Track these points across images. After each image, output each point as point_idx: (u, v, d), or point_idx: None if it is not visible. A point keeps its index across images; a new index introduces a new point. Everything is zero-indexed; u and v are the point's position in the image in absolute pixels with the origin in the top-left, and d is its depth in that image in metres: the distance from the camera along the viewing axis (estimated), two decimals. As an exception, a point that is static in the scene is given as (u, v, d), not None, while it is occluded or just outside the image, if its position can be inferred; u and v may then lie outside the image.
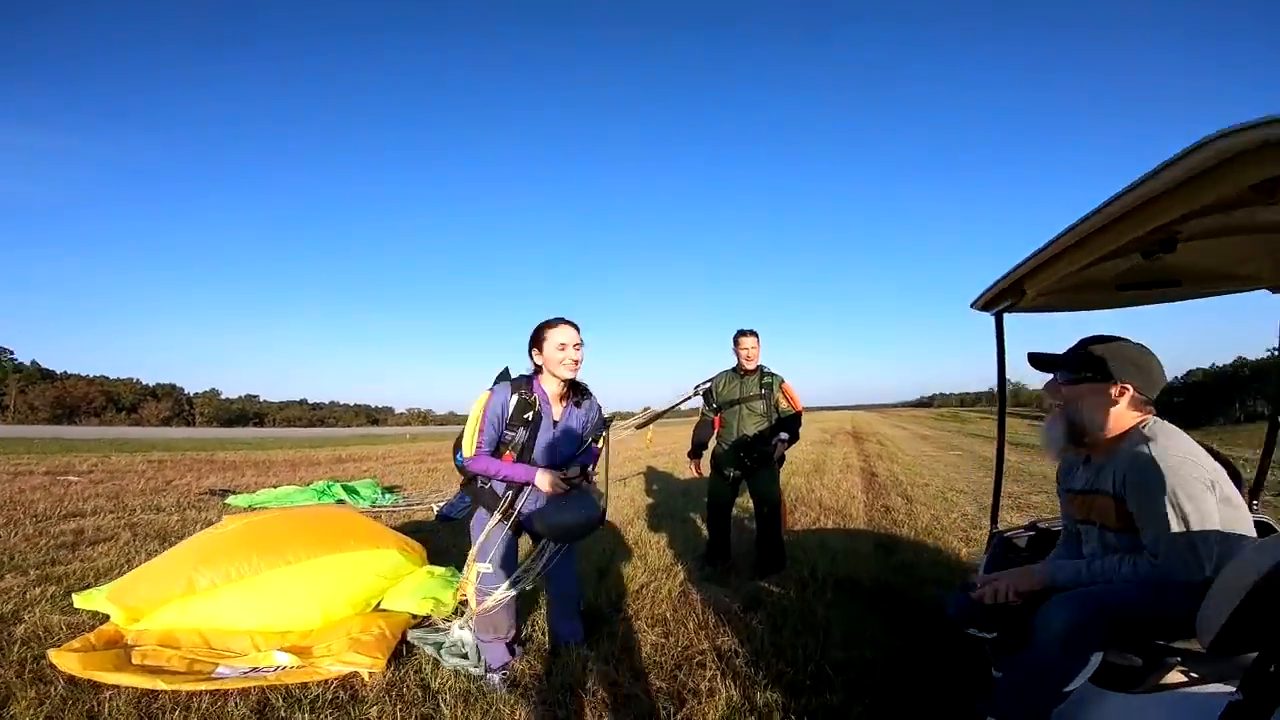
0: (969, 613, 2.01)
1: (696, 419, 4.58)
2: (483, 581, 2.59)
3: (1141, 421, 1.82)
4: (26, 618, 3.14)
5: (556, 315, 2.62)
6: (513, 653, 2.79)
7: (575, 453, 2.70)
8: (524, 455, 2.56)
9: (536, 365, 2.64)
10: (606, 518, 2.68)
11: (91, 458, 13.16)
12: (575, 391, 2.70)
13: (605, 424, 2.84)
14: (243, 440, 28.17)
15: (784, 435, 4.20)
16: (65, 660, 2.49)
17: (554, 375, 2.57)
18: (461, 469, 2.62)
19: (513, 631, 2.73)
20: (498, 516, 2.56)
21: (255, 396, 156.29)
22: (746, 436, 4.21)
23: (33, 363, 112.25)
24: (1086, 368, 1.86)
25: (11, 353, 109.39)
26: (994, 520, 2.89)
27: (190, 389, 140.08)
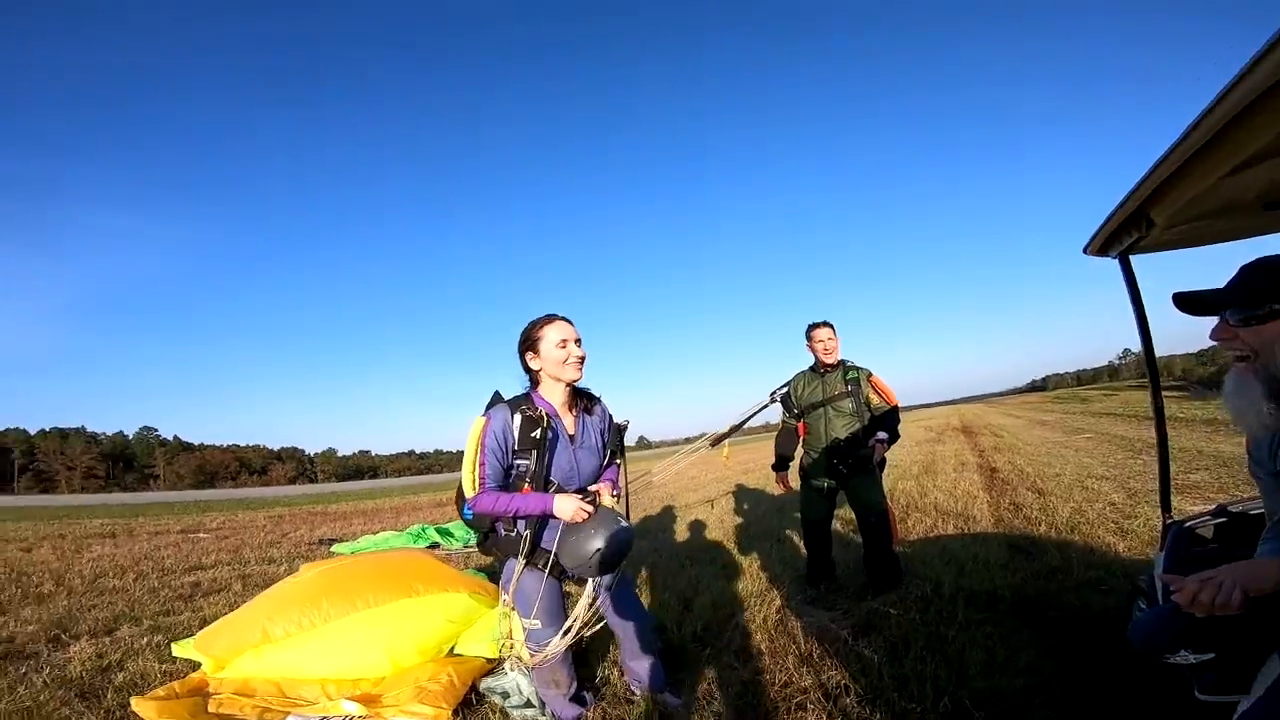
0: (1167, 632, 1.48)
1: (776, 431, 4.14)
2: (531, 638, 2.26)
3: None
4: (129, 666, 3.23)
5: (546, 313, 2.25)
6: (584, 703, 2.46)
7: (599, 470, 2.35)
8: (542, 485, 2.16)
9: (532, 374, 2.26)
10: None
11: (220, 516, 14.22)
12: (582, 399, 2.34)
13: (620, 432, 2.45)
14: (355, 493, 29.81)
15: (882, 435, 3.69)
16: (145, 707, 2.51)
17: (558, 380, 2.20)
18: (469, 522, 2.29)
19: (574, 684, 2.41)
20: (523, 563, 2.19)
21: (368, 451, 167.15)
22: (838, 440, 3.71)
23: (175, 437, 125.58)
24: (1270, 297, 1.29)
25: (156, 430, 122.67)
26: (1165, 507, 2.29)
27: (310, 449, 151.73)
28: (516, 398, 2.23)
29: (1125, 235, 1.88)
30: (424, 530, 7.65)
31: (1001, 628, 2.82)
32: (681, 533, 6.72)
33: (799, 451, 4.00)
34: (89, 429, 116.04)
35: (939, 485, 7.78)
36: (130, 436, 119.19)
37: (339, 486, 64.96)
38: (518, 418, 2.14)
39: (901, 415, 3.81)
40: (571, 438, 2.24)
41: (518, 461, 2.14)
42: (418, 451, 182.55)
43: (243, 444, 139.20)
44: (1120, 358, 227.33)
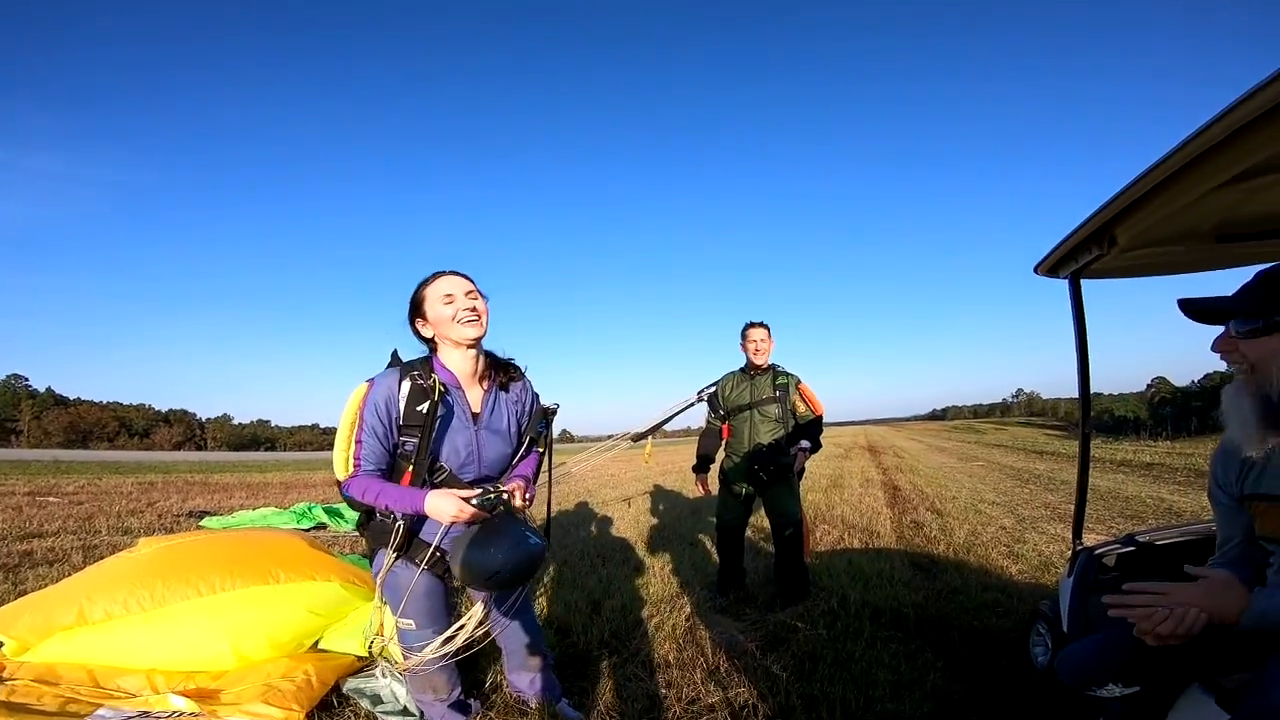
0: (1098, 664, 1.41)
1: (698, 435, 4.01)
2: (404, 639, 1.94)
3: None
4: None
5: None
6: (467, 711, 2.19)
7: (510, 461, 1.98)
8: (430, 468, 1.79)
9: (428, 342, 1.91)
10: (548, 553, 1.91)
11: (81, 480, 12.77)
12: (499, 370, 1.96)
13: (547, 416, 2.05)
14: (244, 464, 27.73)
15: (805, 444, 3.61)
16: None
17: (456, 344, 1.84)
18: (349, 502, 1.84)
19: (456, 690, 2.12)
20: (393, 555, 1.83)
21: (267, 421, 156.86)
22: (761, 446, 3.61)
23: (47, 389, 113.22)
24: (1275, 309, 1.20)
25: (26, 379, 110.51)
26: (1078, 533, 2.31)
27: (203, 414, 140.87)
28: (412, 362, 1.86)
29: (1084, 253, 1.85)
30: (310, 509, 7.04)
31: (906, 647, 2.78)
32: (596, 530, 6.53)
33: (720, 454, 3.88)
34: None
35: (845, 499, 7.98)
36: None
37: (229, 456, 60.54)
38: (406, 385, 1.76)
39: (800, 380, 3.74)
40: (475, 416, 1.87)
41: (404, 439, 1.76)
42: (322, 426, 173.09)
43: (125, 402, 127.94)
44: (1013, 396, 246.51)
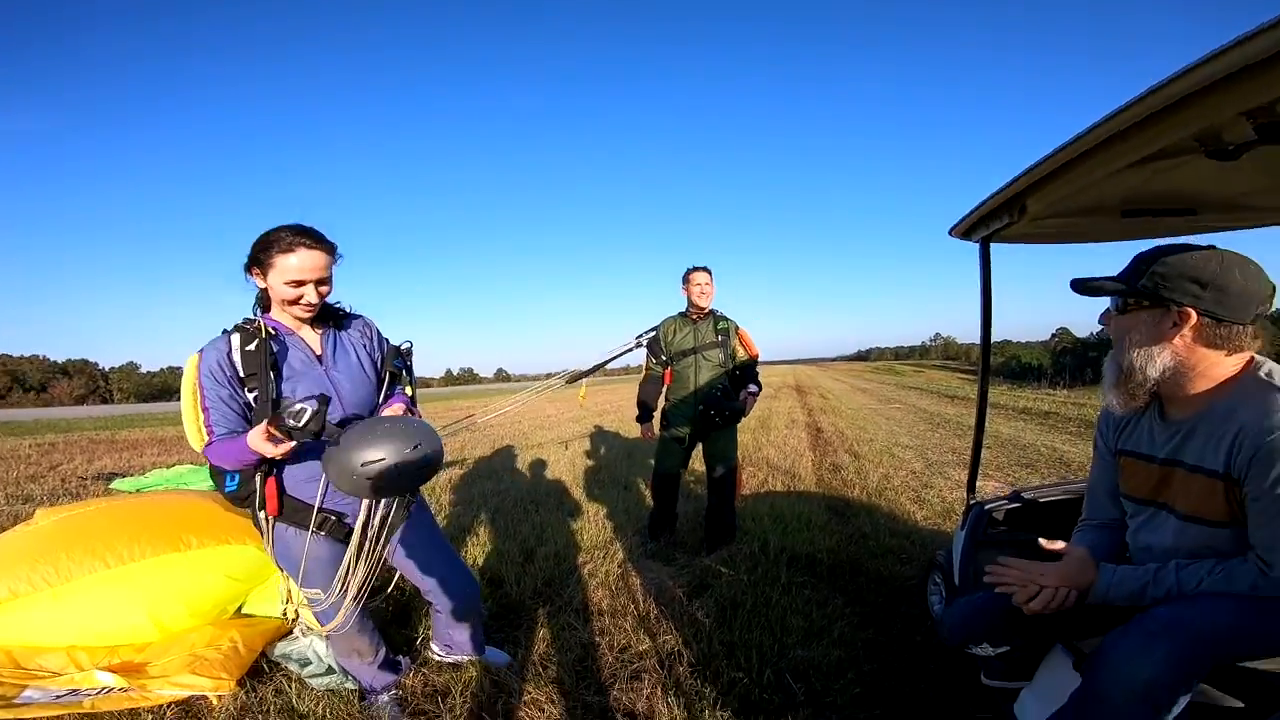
0: (973, 626, 1.58)
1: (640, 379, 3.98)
2: (314, 606, 1.93)
3: (1250, 365, 1.31)
4: None
5: (297, 223, 1.72)
6: (397, 669, 2.22)
7: (376, 399, 1.92)
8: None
9: (261, 295, 1.80)
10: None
11: (-32, 443, 11.77)
12: (329, 315, 1.91)
13: (403, 354, 2.01)
14: (156, 416, 26.15)
15: (753, 388, 3.74)
16: None
17: (284, 312, 1.79)
18: (215, 473, 1.80)
19: (381, 650, 2.13)
20: (268, 520, 1.80)
21: (178, 368, 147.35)
22: (708, 390, 3.68)
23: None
24: (1139, 289, 1.35)
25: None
26: (971, 489, 2.52)
27: (106, 364, 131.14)
28: (239, 323, 1.78)
29: (996, 220, 1.94)
30: (232, 466, 6.78)
31: (819, 593, 2.99)
32: (530, 474, 6.59)
33: (660, 400, 3.91)
34: None
35: (772, 441, 8.33)
36: None
37: (138, 408, 56.72)
38: (236, 338, 1.71)
39: (739, 326, 3.83)
40: (319, 357, 1.82)
41: (250, 391, 1.70)
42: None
43: (16, 354, 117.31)
44: (932, 340, 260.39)
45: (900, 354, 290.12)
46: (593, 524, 4.29)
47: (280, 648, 2.43)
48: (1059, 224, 2.07)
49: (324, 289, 1.75)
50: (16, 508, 5.43)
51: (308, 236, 1.70)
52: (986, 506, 2.38)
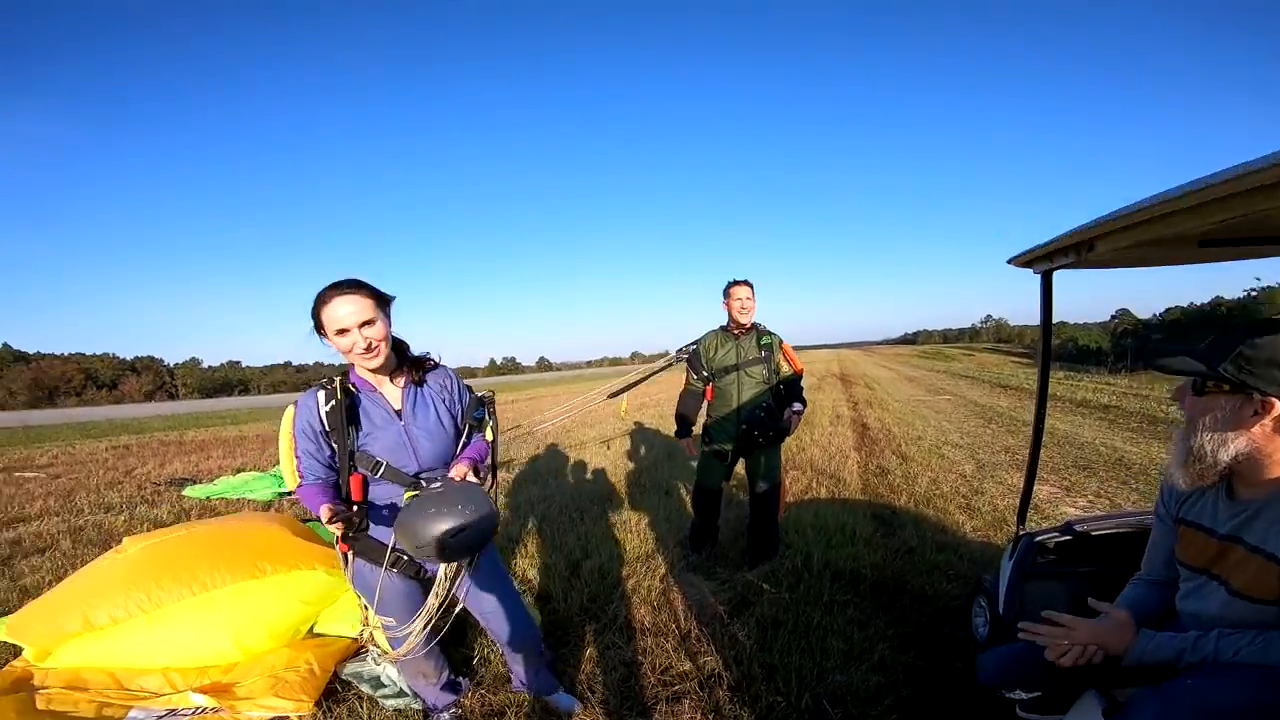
0: (1008, 673, 1.61)
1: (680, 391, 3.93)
2: (388, 632, 2.08)
3: None
4: None
5: (337, 280, 1.85)
6: (458, 690, 2.38)
7: (453, 450, 2.04)
8: (370, 466, 1.89)
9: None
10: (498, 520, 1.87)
11: (54, 448, 12.62)
12: (412, 367, 2.01)
13: (484, 404, 2.14)
14: (219, 414, 27.55)
15: (797, 406, 3.67)
16: None
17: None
18: None
19: (445, 672, 2.30)
20: (349, 554, 1.97)
21: (238, 363, 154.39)
22: (753, 409, 3.64)
23: (4, 345, 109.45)
24: (1221, 374, 1.31)
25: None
26: (1021, 520, 2.47)
27: (170, 360, 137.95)
28: (329, 377, 1.93)
29: (1061, 257, 1.91)
30: (293, 471, 7.12)
31: (860, 612, 3.00)
32: (574, 478, 6.70)
33: (702, 415, 3.88)
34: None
35: (816, 440, 8.18)
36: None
37: (202, 405, 59.75)
38: (322, 396, 1.87)
39: (783, 340, 3.77)
40: (398, 412, 1.94)
41: (336, 445, 1.87)
42: (295, 363, 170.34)
43: (89, 353, 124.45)
44: (982, 322, 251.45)
45: (949, 337, 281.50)
46: (635, 534, 4.36)
47: (350, 668, 2.60)
48: (1129, 255, 1.99)
49: (369, 330, 1.82)
50: (99, 516, 5.84)
51: (342, 286, 1.81)
52: (1036, 539, 2.33)
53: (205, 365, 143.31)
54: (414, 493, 1.84)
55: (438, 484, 1.80)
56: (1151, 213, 1.32)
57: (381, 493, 1.93)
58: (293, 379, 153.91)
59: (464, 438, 2.06)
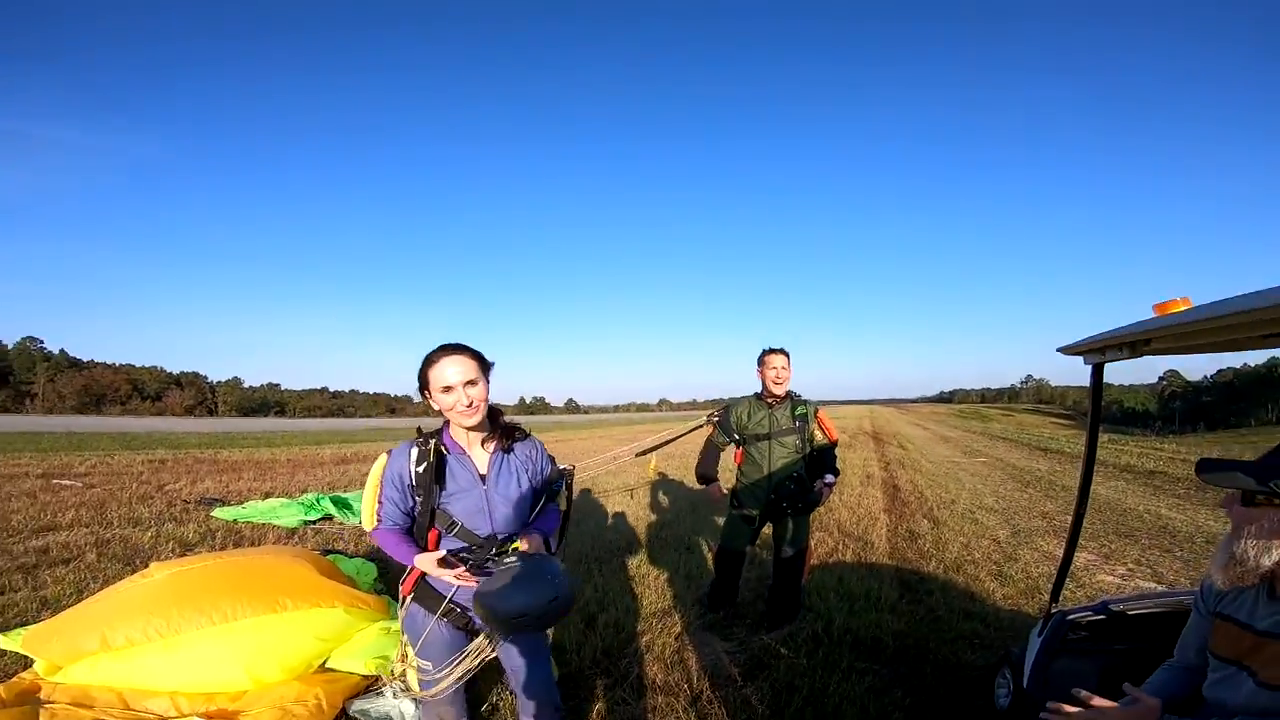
0: None
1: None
2: (424, 674, 2.09)
3: None
4: None
5: (445, 341, 1.99)
6: None
7: (527, 516, 2.10)
8: (446, 525, 1.98)
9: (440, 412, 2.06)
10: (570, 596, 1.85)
11: (94, 457, 13.01)
12: (502, 434, 2.10)
13: (563, 476, 2.23)
14: (254, 434, 28.11)
15: (830, 478, 3.60)
16: None
17: (455, 424, 2.01)
18: None
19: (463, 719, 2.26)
20: (408, 598, 2.05)
21: (277, 385, 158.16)
22: (783, 480, 3.57)
23: (61, 351, 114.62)
24: (1272, 489, 1.33)
25: (41, 341, 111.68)
26: (1055, 596, 2.38)
27: (214, 377, 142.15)
28: (424, 434, 2.05)
29: (1115, 351, 1.89)
30: (319, 500, 7.17)
31: (880, 680, 2.90)
32: (596, 527, 6.64)
33: (733, 478, 3.83)
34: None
35: (844, 500, 7.96)
36: (10, 347, 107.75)
37: (239, 423, 61.36)
38: (415, 453, 1.98)
39: (819, 409, 3.71)
40: (483, 477, 2.02)
41: (419, 499, 1.98)
42: (331, 389, 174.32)
43: (138, 364, 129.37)
44: (1022, 382, 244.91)
45: (987, 396, 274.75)
46: (653, 589, 4.29)
47: (358, 704, 2.60)
48: (1184, 346, 1.96)
49: (472, 390, 1.93)
50: (127, 531, 5.96)
51: (450, 348, 1.95)
52: (1069, 617, 2.24)
53: (246, 385, 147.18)
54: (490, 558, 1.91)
55: (513, 559, 1.81)
56: (1217, 323, 1.34)
57: (448, 547, 1.99)
58: (327, 404, 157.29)
59: (539, 506, 2.14)
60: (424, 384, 1.96)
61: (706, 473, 3.86)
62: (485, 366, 1.99)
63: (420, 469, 1.95)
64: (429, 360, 1.94)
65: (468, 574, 1.86)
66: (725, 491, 3.87)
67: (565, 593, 1.78)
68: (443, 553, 1.87)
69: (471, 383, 1.93)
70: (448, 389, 1.90)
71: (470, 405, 1.92)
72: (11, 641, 2.95)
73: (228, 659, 2.58)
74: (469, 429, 1.99)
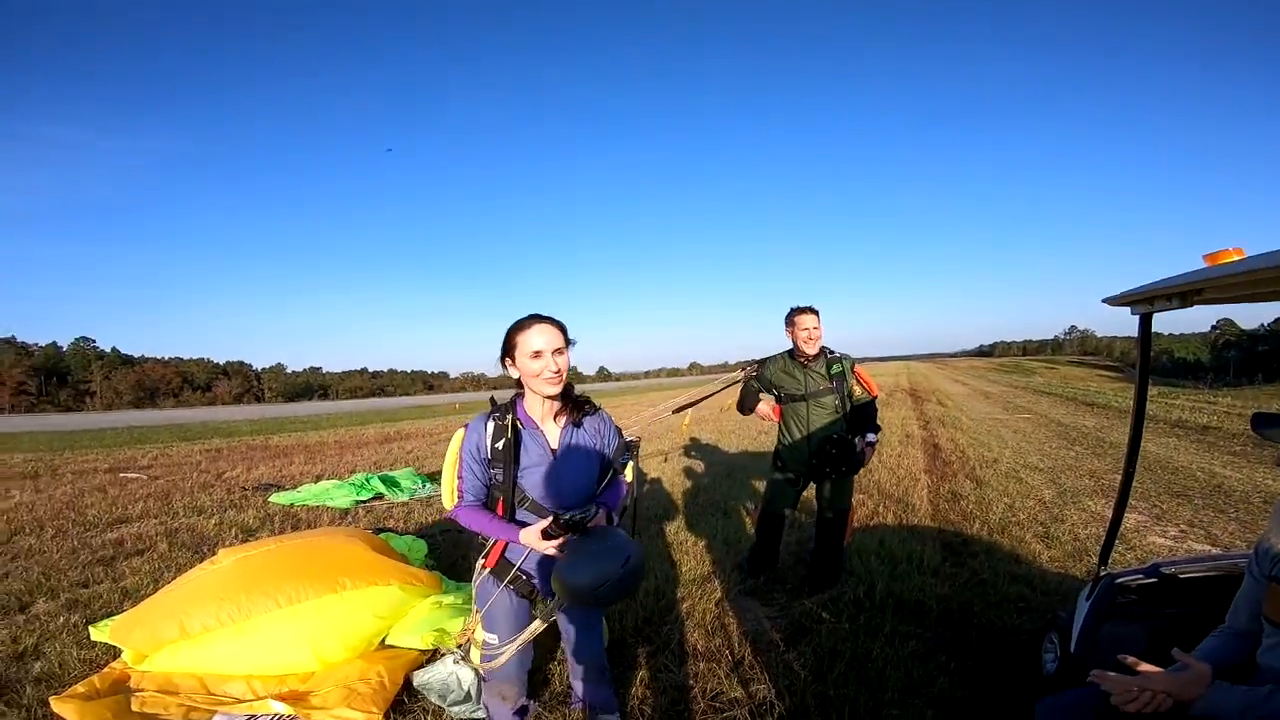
0: (1072, 716, 1.54)
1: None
2: (489, 649, 2.17)
3: None
4: (47, 651, 3.12)
5: (532, 312, 2.02)
6: (525, 713, 2.43)
7: (594, 489, 2.13)
8: (518, 498, 2.02)
9: (517, 380, 2.08)
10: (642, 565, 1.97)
11: (154, 450, 13.69)
12: (573, 407, 2.12)
13: (630, 449, 2.26)
14: (300, 419, 29.13)
15: (871, 437, 3.55)
16: (66, 708, 2.40)
17: (534, 391, 2.03)
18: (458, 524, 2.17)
19: (522, 700, 2.35)
20: (484, 572, 2.11)
21: (319, 368, 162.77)
22: (821, 440, 3.53)
23: (113, 349, 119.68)
24: None
25: (94, 341, 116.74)
26: (1104, 558, 2.34)
27: (258, 364, 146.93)
28: (498, 406, 2.09)
29: (1164, 302, 1.82)
30: (368, 480, 7.44)
31: (923, 644, 2.91)
32: (634, 494, 6.68)
33: (775, 440, 3.82)
34: (19, 339, 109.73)
35: (884, 461, 7.86)
36: (65, 348, 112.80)
37: (286, 409, 63.67)
38: (491, 426, 2.01)
39: (855, 363, 3.64)
40: (553, 451, 2.06)
41: (494, 473, 2.02)
42: (370, 370, 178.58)
43: (186, 357, 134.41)
44: (1066, 333, 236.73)
45: (1029, 349, 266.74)
46: (692, 555, 4.35)
47: (419, 676, 2.71)
48: (1234, 296, 1.88)
49: (560, 358, 1.97)
50: (192, 519, 6.29)
51: (541, 317, 1.99)
52: (1118, 580, 2.20)
53: (289, 370, 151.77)
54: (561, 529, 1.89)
55: (586, 535, 1.85)
56: (1271, 274, 1.30)
57: (520, 519, 2.03)
58: (367, 384, 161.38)
59: (606, 479, 2.18)
60: (509, 349, 1.99)
61: (746, 405, 3.84)
62: (568, 340, 2.03)
63: (499, 444, 1.99)
64: (520, 326, 1.98)
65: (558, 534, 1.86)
66: (772, 407, 3.80)
67: (638, 562, 1.84)
68: (546, 523, 1.85)
69: (559, 351, 1.97)
70: (538, 354, 1.93)
71: (557, 372, 1.96)
72: (100, 633, 3.17)
73: (295, 641, 2.73)
74: (549, 397, 2.02)
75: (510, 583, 2.09)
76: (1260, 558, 1.55)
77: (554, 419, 2.09)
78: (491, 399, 2.14)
